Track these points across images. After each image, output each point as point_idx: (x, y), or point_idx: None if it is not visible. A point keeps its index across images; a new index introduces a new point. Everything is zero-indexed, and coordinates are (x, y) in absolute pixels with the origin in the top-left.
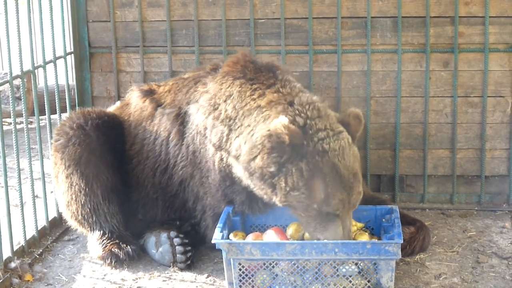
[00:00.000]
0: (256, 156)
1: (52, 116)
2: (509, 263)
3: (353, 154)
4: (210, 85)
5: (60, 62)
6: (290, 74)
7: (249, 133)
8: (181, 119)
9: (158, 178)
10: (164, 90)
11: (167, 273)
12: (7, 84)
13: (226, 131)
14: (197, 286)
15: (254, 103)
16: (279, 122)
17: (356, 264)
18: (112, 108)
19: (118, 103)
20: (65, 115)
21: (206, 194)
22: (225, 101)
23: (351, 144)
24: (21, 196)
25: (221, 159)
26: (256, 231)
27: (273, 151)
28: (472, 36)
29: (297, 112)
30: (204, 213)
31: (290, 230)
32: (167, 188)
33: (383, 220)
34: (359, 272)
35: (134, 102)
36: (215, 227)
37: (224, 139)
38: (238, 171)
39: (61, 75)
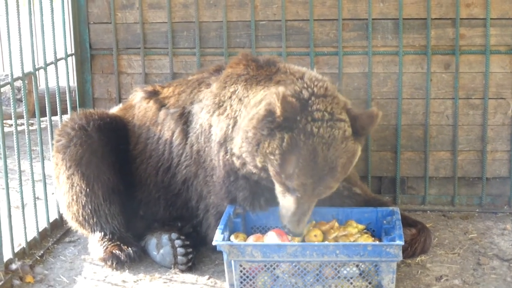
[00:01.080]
0: (253, 119)
1: (53, 118)
2: (510, 265)
3: (343, 149)
4: (214, 85)
5: (61, 64)
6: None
7: (254, 106)
8: (184, 118)
9: (161, 177)
10: (168, 91)
11: (168, 274)
12: (8, 85)
13: (232, 123)
14: None
15: (261, 87)
16: (274, 92)
17: (357, 266)
18: (115, 110)
19: (120, 105)
20: (66, 117)
21: (209, 193)
22: (230, 97)
23: (347, 137)
24: (22, 198)
25: (226, 153)
26: (257, 233)
27: (268, 116)
28: (473, 38)
29: (305, 85)
30: (207, 212)
31: None
32: (170, 187)
33: (384, 222)
34: (360, 274)
35: (138, 103)
36: (218, 226)
37: (230, 132)
38: (236, 141)
39: (62, 77)
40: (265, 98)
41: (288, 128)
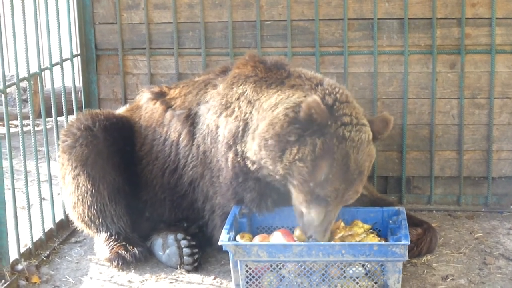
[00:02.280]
0: (276, 125)
1: (59, 119)
2: None
3: (368, 152)
4: (220, 86)
5: (67, 64)
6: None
7: (270, 110)
8: (191, 120)
9: (167, 178)
10: (174, 92)
11: (174, 275)
12: (14, 86)
13: (242, 125)
14: None
15: (273, 90)
16: (313, 100)
17: (363, 265)
18: (121, 110)
19: (127, 105)
20: (72, 117)
21: (216, 193)
22: (238, 98)
23: (370, 141)
24: (28, 198)
25: (236, 154)
26: (263, 233)
27: (297, 122)
28: (478, 38)
29: (327, 91)
30: (213, 212)
31: (297, 232)
32: (176, 188)
33: (390, 221)
34: (366, 274)
35: (144, 104)
36: (223, 226)
37: (240, 134)
38: (253, 147)
39: (68, 77)
40: (281, 102)
41: (319, 133)
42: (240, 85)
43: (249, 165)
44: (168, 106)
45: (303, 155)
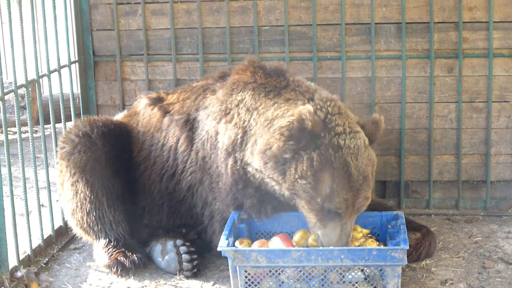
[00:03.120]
0: (272, 146)
1: (57, 125)
2: None
3: (367, 157)
4: (219, 92)
5: (65, 71)
6: (298, 75)
7: (266, 127)
8: (190, 125)
9: (165, 183)
10: (172, 98)
11: (173, 281)
12: (12, 93)
13: (241, 133)
14: None
15: (270, 101)
16: (305, 108)
17: (362, 270)
18: (119, 116)
19: (125, 111)
20: (70, 124)
21: (215, 199)
22: (237, 105)
23: (367, 146)
24: (26, 205)
25: (235, 162)
26: (262, 238)
27: (291, 138)
28: (476, 42)
29: (318, 106)
30: (212, 218)
31: (296, 237)
32: (174, 194)
33: (389, 226)
34: (365, 279)
35: (142, 110)
36: (222, 232)
37: (239, 141)
38: (254, 164)
39: (66, 84)
40: (276, 118)
41: (313, 146)
42: (240, 92)
43: (251, 177)
44: (166, 112)
45: (302, 172)
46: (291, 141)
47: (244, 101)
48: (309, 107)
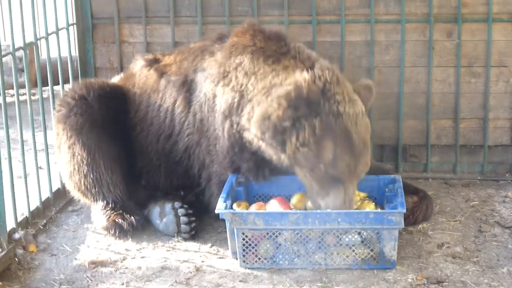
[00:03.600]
0: (271, 115)
1: (55, 88)
2: None
3: (365, 124)
4: (218, 54)
5: (63, 34)
6: (301, 43)
7: (264, 95)
8: (187, 86)
9: (162, 144)
10: (169, 59)
11: (171, 243)
12: (10, 55)
13: (237, 97)
14: (200, 256)
15: (269, 68)
16: (302, 76)
17: (359, 233)
18: (116, 79)
19: (121, 74)
20: (67, 87)
21: (212, 162)
22: (235, 68)
23: (364, 113)
24: (24, 168)
25: (231, 126)
26: (260, 201)
27: (290, 107)
28: (475, 6)
29: (317, 75)
30: (209, 181)
31: (294, 200)
32: (171, 155)
33: (386, 190)
34: (362, 242)
35: (138, 71)
36: (220, 194)
37: (235, 105)
38: (250, 132)
39: (64, 47)
40: (275, 86)
41: (313, 113)
42: (238, 55)
43: (247, 143)
44: (163, 73)
45: (304, 140)
46: (290, 109)
47: (243, 64)
48: (305, 75)
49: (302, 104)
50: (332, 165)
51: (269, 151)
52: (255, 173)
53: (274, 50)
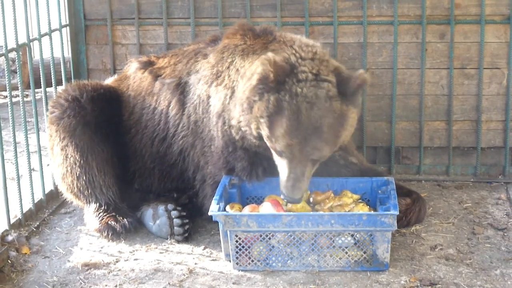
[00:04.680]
0: (246, 91)
1: (48, 89)
2: (505, 234)
3: (327, 108)
4: (211, 56)
5: (56, 35)
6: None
7: (250, 78)
8: (181, 88)
9: (156, 147)
10: (163, 61)
11: (164, 245)
12: (3, 57)
13: (229, 93)
14: (194, 258)
15: (257, 56)
16: (264, 57)
17: (352, 235)
18: (109, 81)
19: (115, 76)
20: (60, 88)
21: (207, 163)
22: (228, 67)
23: (331, 97)
24: (17, 169)
25: (224, 123)
26: (253, 203)
27: (260, 83)
28: (468, 8)
29: (294, 51)
30: (203, 182)
31: (289, 204)
32: (165, 158)
33: (379, 191)
34: (355, 244)
35: (132, 74)
36: (214, 195)
37: (227, 102)
38: (235, 115)
39: (57, 48)
40: (257, 68)
41: (275, 90)
42: (230, 54)
43: (234, 134)
44: (157, 75)
45: (261, 112)
46: (260, 85)
47: (234, 62)
48: (269, 55)
49: (268, 79)
50: (278, 142)
51: (245, 126)
52: (249, 172)
53: (262, 43)
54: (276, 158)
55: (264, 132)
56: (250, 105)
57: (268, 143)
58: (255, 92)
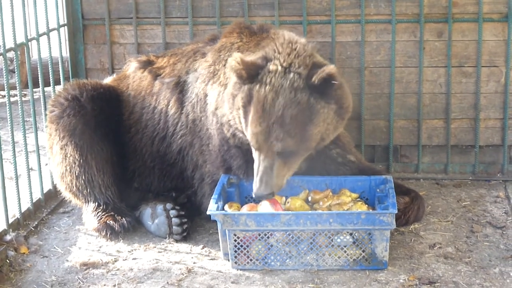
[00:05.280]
0: (230, 86)
1: (46, 89)
2: (503, 232)
3: (292, 99)
4: (209, 55)
5: (54, 34)
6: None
7: None
8: (180, 87)
9: (157, 146)
10: (163, 61)
11: (163, 244)
12: (1, 56)
13: (222, 90)
14: (192, 257)
15: (251, 53)
16: (231, 58)
17: (351, 234)
18: (108, 80)
19: (114, 75)
20: (59, 87)
21: (205, 162)
22: (224, 65)
23: (296, 88)
24: (15, 169)
25: (217, 120)
26: (251, 202)
27: (238, 77)
28: (466, 6)
29: (275, 47)
30: (202, 181)
31: (289, 204)
32: (165, 157)
33: (378, 190)
34: (354, 242)
35: (132, 73)
36: (212, 194)
37: (220, 98)
38: (225, 111)
39: (55, 47)
40: None
41: (249, 82)
42: (226, 52)
43: (226, 132)
44: (156, 75)
45: (238, 103)
46: (238, 79)
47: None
48: (236, 54)
49: (242, 77)
50: (247, 132)
51: (235, 125)
52: (245, 170)
53: (257, 40)
54: (253, 154)
55: (242, 124)
56: (233, 99)
57: (246, 135)
58: (236, 87)
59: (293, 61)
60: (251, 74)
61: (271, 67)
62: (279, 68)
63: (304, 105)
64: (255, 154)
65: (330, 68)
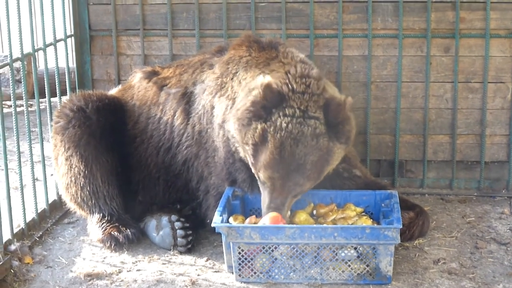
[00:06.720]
0: (238, 111)
1: (52, 99)
2: (508, 248)
3: (313, 146)
4: (216, 66)
5: (61, 45)
6: (293, 48)
7: (246, 94)
8: (187, 98)
9: (162, 157)
10: (168, 72)
11: (167, 256)
12: (7, 66)
13: (230, 104)
14: (196, 269)
15: (259, 71)
16: (260, 80)
17: (355, 248)
18: (114, 91)
19: (119, 86)
20: (65, 98)
21: (210, 174)
22: (231, 79)
23: (317, 134)
24: (21, 179)
25: (224, 134)
26: (255, 215)
27: (252, 105)
28: (473, 22)
29: (287, 81)
30: (207, 193)
31: (295, 218)
32: (170, 168)
33: (383, 205)
34: (358, 257)
35: (137, 84)
36: (217, 207)
37: (228, 112)
38: (231, 128)
39: (62, 58)
40: (256, 87)
41: (263, 119)
42: (235, 66)
43: (231, 146)
44: (162, 85)
45: (247, 139)
46: (252, 107)
47: (238, 74)
48: (267, 79)
49: (257, 107)
50: (260, 172)
51: (239, 148)
52: (250, 184)
53: (266, 57)
54: (259, 183)
55: (249, 158)
56: (239, 127)
57: (252, 170)
58: (245, 116)
59: (309, 104)
60: (267, 110)
61: (287, 111)
62: (297, 112)
63: (324, 150)
64: (265, 191)
65: (347, 108)
